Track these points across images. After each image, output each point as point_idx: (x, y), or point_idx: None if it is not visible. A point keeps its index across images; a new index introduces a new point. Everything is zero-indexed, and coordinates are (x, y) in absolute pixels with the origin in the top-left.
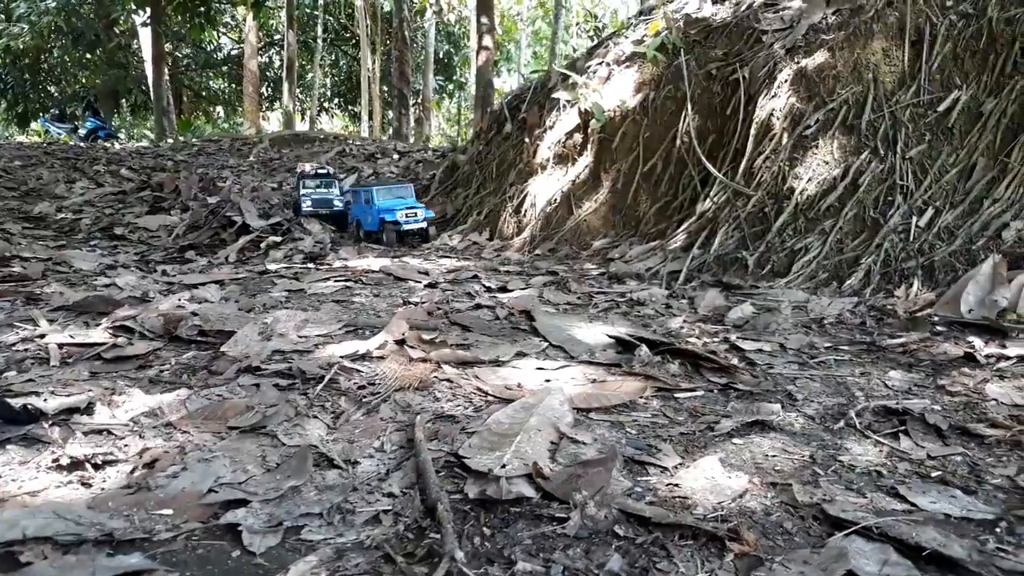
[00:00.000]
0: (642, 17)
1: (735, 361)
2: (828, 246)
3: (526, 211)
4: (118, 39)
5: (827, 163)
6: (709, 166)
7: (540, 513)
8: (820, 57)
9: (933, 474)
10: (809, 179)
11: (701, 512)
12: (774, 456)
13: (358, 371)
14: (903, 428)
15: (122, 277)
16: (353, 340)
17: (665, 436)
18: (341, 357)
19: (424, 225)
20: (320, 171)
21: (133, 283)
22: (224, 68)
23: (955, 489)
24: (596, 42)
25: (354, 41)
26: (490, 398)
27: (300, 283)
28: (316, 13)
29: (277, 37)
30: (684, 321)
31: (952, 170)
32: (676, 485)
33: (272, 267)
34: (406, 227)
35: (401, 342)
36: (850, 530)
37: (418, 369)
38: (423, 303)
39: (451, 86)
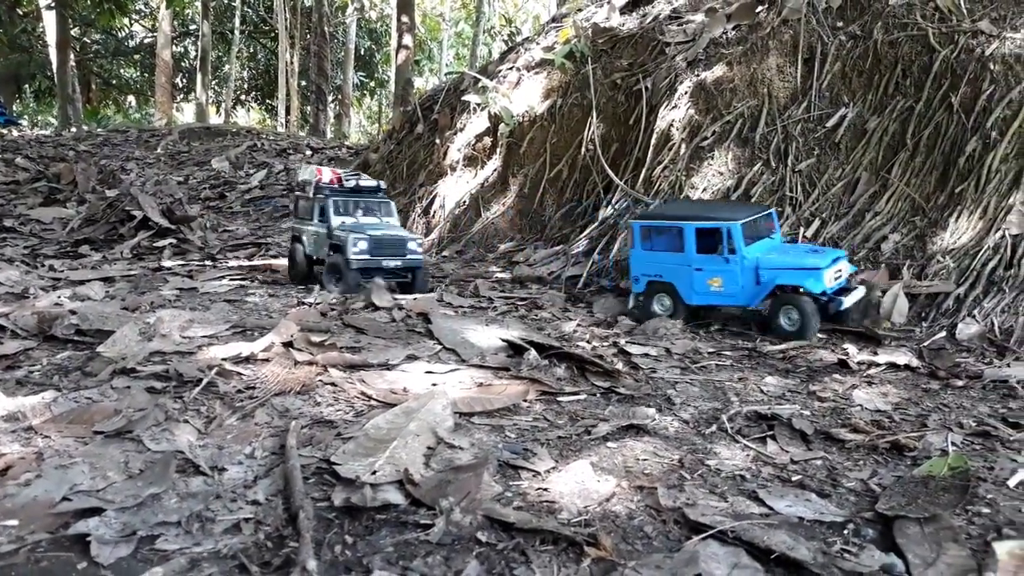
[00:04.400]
0: (553, 24)
1: (620, 365)
2: None
3: (435, 212)
4: (22, 22)
5: (722, 174)
6: (611, 173)
7: (406, 520)
8: (719, 71)
9: (794, 478)
10: (704, 189)
11: (566, 516)
12: (645, 460)
13: (239, 374)
14: (771, 433)
15: (3, 272)
16: (239, 341)
17: (543, 440)
18: (223, 359)
19: (863, 293)
20: (363, 182)
21: (15, 278)
22: (136, 56)
23: (811, 493)
24: (509, 47)
25: (273, 34)
26: (373, 402)
27: (193, 281)
28: (234, 4)
29: (193, 27)
30: (578, 325)
31: (838, 184)
32: (546, 489)
33: (168, 264)
34: (845, 303)
35: (288, 344)
36: (706, 534)
37: (302, 372)
38: (318, 304)
39: (372, 83)
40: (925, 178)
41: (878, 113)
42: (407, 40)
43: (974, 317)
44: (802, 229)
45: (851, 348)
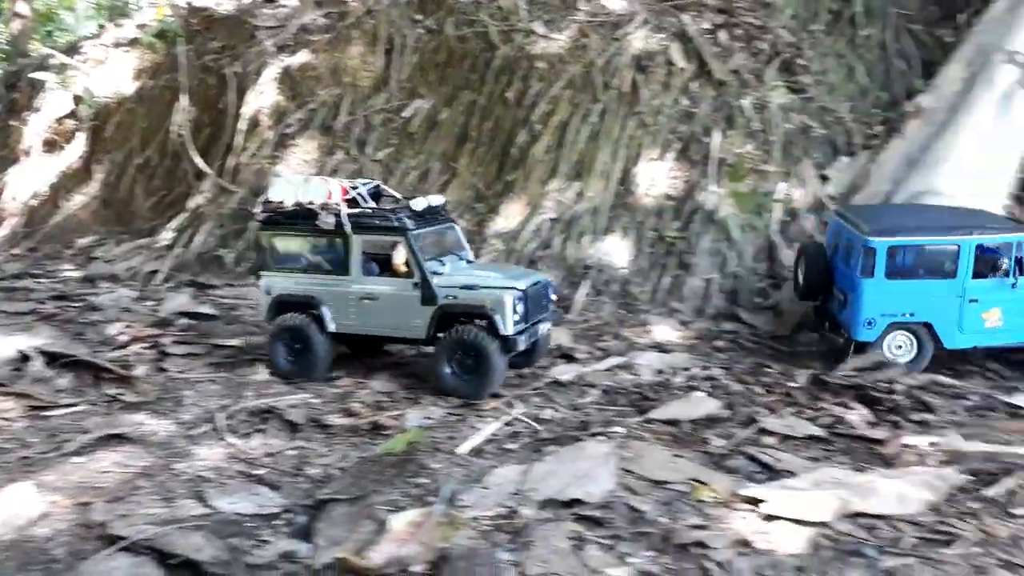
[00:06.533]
0: (150, 1)
1: (142, 370)
2: None
3: (6, 204)
4: None
5: (306, 162)
6: (199, 160)
7: None
8: (304, 57)
9: (258, 472)
10: None
11: None
12: (107, 472)
13: None
14: (263, 427)
15: None
16: None
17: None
18: None
19: None
20: (433, 200)
21: None
22: None
23: (265, 487)
24: (105, 22)
25: None
26: None
27: None
28: None
29: None
30: (127, 326)
31: (413, 173)
32: None
33: None
34: None
35: None
36: (119, 546)
37: None
38: None
39: None
40: (487, 167)
41: (449, 105)
42: (22, 7)
43: None
44: None
45: None
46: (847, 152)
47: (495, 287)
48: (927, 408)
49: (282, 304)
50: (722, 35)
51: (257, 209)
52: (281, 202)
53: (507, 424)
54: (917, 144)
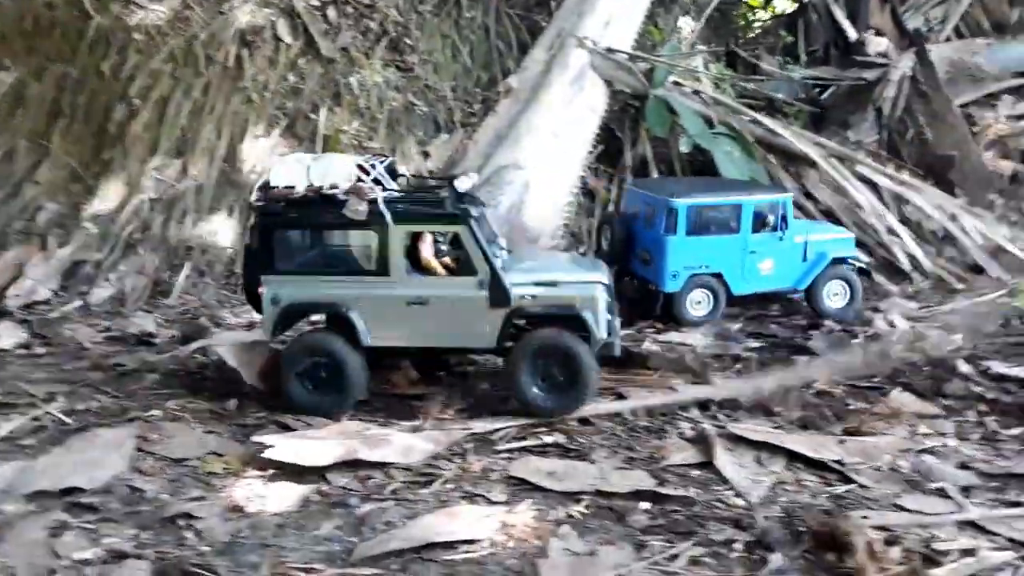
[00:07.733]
0: None
1: None
2: None
3: None
4: None
5: None
6: None
7: None
8: None
9: None
10: None
11: None
12: None
13: None
14: None
15: None
16: None
17: None
18: None
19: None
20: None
21: None
22: None
23: None
24: None
25: None
26: None
27: None
28: None
29: None
30: None
31: None
32: None
33: None
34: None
35: None
36: None
37: None
38: None
39: None
40: (82, 145)
41: (38, 78)
42: None
43: (109, 281)
44: None
45: None
46: (448, 129)
47: (580, 281)
48: None
49: (294, 315)
50: (331, 12)
51: (253, 197)
52: (291, 187)
53: (34, 419)
54: (507, 121)
